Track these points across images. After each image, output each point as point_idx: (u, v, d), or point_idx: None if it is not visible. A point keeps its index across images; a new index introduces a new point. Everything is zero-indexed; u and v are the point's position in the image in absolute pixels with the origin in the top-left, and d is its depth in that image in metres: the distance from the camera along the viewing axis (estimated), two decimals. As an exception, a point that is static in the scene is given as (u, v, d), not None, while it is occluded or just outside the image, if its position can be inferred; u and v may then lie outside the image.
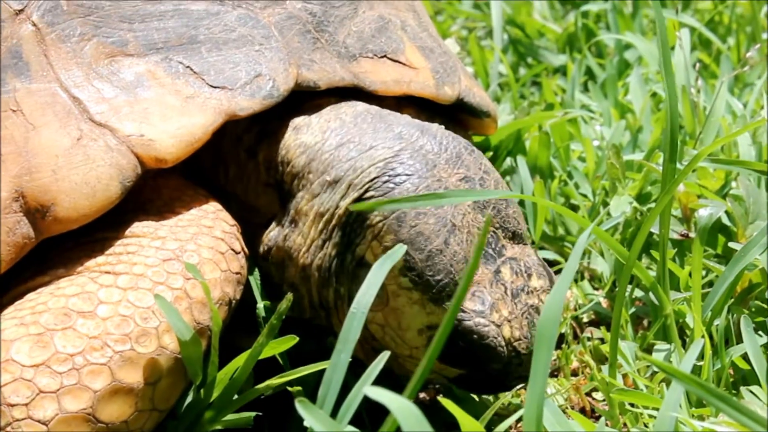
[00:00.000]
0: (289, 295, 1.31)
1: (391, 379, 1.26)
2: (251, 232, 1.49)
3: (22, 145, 1.30)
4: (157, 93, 1.37)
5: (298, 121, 1.50)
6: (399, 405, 0.96)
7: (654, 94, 2.37)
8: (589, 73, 2.62)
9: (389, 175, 1.38)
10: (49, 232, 1.31)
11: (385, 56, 1.58)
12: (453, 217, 1.36)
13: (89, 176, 1.31)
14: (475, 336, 1.33)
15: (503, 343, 1.34)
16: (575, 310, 1.77)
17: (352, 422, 1.41)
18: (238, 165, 1.53)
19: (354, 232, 1.39)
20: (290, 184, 1.47)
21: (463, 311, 1.33)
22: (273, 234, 1.47)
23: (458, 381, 1.41)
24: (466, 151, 1.43)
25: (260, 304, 1.45)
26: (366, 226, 1.38)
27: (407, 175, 1.38)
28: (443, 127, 1.47)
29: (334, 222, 1.41)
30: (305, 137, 1.47)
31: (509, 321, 1.35)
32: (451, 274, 1.34)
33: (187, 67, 1.41)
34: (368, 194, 1.38)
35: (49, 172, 1.30)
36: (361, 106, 1.51)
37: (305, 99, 1.52)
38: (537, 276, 1.39)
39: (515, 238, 1.42)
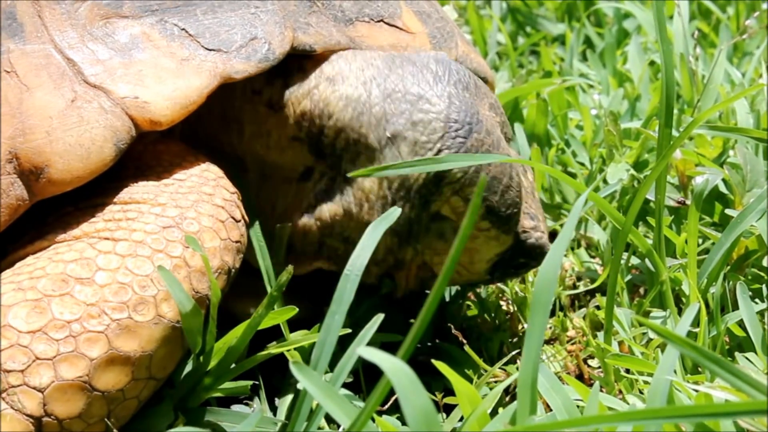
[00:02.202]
0: (290, 268, 1.30)
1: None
2: (273, 188, 1.50)
3: (16, 106, 1.30)
4: (152, 55, 1.36)
5: (329, 71, 1.48)
6: (392, 365, 0.96)
7: (652, 63, 2.36)
8: (588, 42, 2.62)
9: (455, 130, 1.42)
10: (43, 194, 1.30)
11: (381, 20, 1.57)
12: (505, 150, 1.48)
13: (83, 138, 1.30)
14: (537, 249, 1.52)
15: (549, 245, 1.51)
16: (572, 278, 1.77)
17: (350, 386, 1.43)
18: (257, 122, 1.51)
19: (430, 190, 1.43)
20: (334, 138, 1.46)
21: (524, 231, 1.50)
22: (320, 187, 1.47)
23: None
24: (474, 77, 1.50)
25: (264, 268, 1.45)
26: (445, 183, 1.42)
27: (468, 123, 1.42)
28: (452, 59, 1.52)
29: (405, 182, 1.43)
30: (345, 89, 1.46)
31: (544, 225, 1.55)
32: (517, 204, 1.47)
33: (183, 29, 1.40)
34: (443, 153, 1.41)
35: (43, 134, 1.29)
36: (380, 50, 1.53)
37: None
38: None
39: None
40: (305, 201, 1.48)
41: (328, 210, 1.47)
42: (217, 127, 1.53)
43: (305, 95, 1.48)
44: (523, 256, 1.52)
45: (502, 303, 1.68)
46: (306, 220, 1.48)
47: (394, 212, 1.23)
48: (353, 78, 1.47)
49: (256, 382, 1.39)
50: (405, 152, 1.42)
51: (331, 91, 1.47)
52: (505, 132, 1.53)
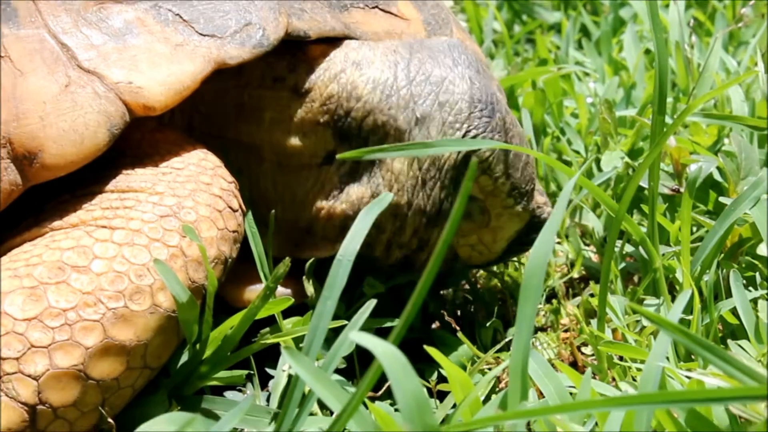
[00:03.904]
0: (287, 260, 1.30)
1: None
2: (291, 175, 1.51)
3: (9, 91, 1.29)
4: (146, 40, 1.36)
5: (354, 56, 1.51)
6: (384, 350, 0.96)
7: (648, 51, 2.36)
8: (584, 30, 2.62)
9: (480, 110, 1.46)
10: (37, 179, 1.30)
11: (376, 7, 1.57)
12: (519, 128, 1.52)
13: (77, 123, 1.29)
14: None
15: None
16: (566, 266, 1.77)
17: (344, 372, 1.42)
18: (278, 108, 1.51)
19: (460, 170, 1.47)
20: (361, 120, 1.47)
21: (538, 207, 1.55)
22: (344, 172, 1.49)
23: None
24: (482, 61, 1.55)
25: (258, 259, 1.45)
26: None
27: (490, 103, 1.47)
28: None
29: (437, 162, 1.47)
30: (372, 72, 1.49)
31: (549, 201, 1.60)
32: (533, 179, 1.53)
33: (177, 14, 1.39)
34: (471, 133, 1.46)
35: (36, 119, 1.29)
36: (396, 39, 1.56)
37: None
38: None
39: None
40: (328, 185, 1.49)
41: (355, 193, 1.48)
42: (232, 117, 1.53)
43: (332, 79, 1.49)
44: (534, 232, 1.53)
45: (495, 290, 1.68)
46: (330, 204, 1.49)
47: (386, 197, 1.23)
48: (378, 62, 1.50)
49: (251, 372, 1.39)
50: (434, 132, 1.46)
51: (358, 75, 1.49)
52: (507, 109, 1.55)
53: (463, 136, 1.45)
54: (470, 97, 1.46)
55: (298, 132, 1.50)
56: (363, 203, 1.47)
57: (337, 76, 1.49)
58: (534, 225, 1.55)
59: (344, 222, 1.48)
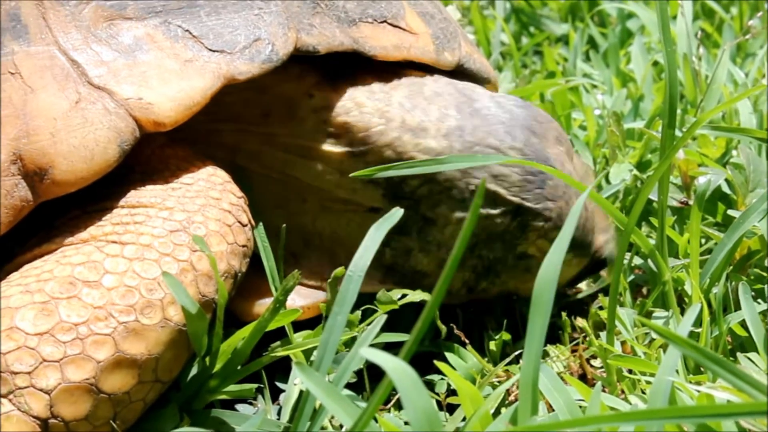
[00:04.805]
0: (296, 273, 1.30)
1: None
2: (335, 217, 1.53)
3: (20, 107, 1.30)
4: (155, 56, 1.37)
5: (410, 121, 1.50)
6: (395, 366, 0.96)
7: (656, 63, 2.36)
8: (592, 42, 2.62)
9: (531, 182, 1.47)
10: (47, 195, 1.30)
11: (385, 21, 1.57)
12: (576, 176, 1.53)
13: (87, 139, 1.30)
14: (610, 260, 1.59)
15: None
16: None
17: (353, 386, 1.43)
18: (331, 163, 1.52)
19: (515, 235, 1.49)
20: (416, 187, 1.48)
21: (599, 248, 1.57)
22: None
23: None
24: (535, 115, 1.54)
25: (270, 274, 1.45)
26: (530, 229, 1.49)
27: (541, 173, 1.47)
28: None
29: (490, 229, 1.49)
30: (428, 142, 1.48)
31: (612, 231, 1.60)
32: (592, 230, 1.55)
33: (186, 30, 1.40)
34: (525, 205, 1.48)
35: (47, 135, 1.29)
36: (441, 85, 1.55)
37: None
38: None
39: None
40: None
41: (403, 244, 1.51)
42: (281, 161, 1.54)
43: (387, 146, 1.49)
44: (597, 269, 1.61)
45: (504, 302, 1.68)
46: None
47: (397, 213, 1.24)
48: (434, 130, 1.49)
49: (261, 386, 1.40)
50: (487, 203, 1.48)
51: (413, 145, 1.49)
52: (570, 157, 1.57)
53: (515, 206, 1.47)
54: (522, 170, 1.47)
55: (348, 187, 1.51)
56: (411, 254, 1.51)
57: (393, 143, 1.49)
58: (596, 264, 1.59)
59: (391, 265, 1.52)
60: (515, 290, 1.56)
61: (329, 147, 1.52)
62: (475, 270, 1.52)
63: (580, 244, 1.52)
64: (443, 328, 1.47)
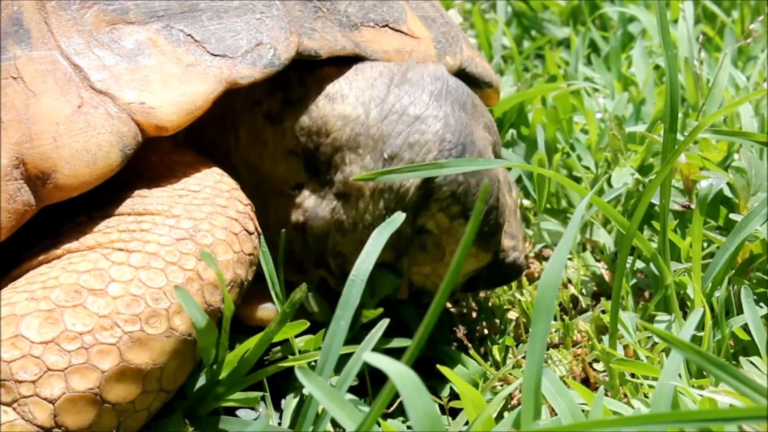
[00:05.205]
0: (303, 286, 1.31)
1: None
2: (263, 200, 1.50)
3: (22, 112, 1.30)
4: (158, 61, 1.37)
5: (329, 89, 1.49)
6: (397, 371, 0.96)
7: (657, 67, 2.36)
8: (593, 46, 2.62)
9: (449, 149, 1.43)
10: (50, 199, 1.30)
11: (386, 25, 1.57)
12: (497, 174, 1.48)
13: (90, 144, 1.30)
14: (513, 268, 1.55)
15: (525, 264, 1.58)
16: (577, 281, 1.77)
17: (356, 389, 1.43)
18: (253, 132, 1.52)
19: (418, 206, 1.44)
20: (331, 156, 1.46)
21: (503, 250, 1.52)
22: (310, 204, 1.48)
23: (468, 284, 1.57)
24: (471, 95, 1.51)
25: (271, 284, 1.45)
26: (433, 200, 1.43)
27: (461, 144, 1.43)
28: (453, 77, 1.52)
29: (398, 198, 1.44)
30: (344, 108, 1.47)
31: (522, 244, 1.57)
32: (499, 224, 1.48)
33: (188, 35, 1.40)
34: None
35: (49, 140, 1.29)
36: (381, 66, 1.52)
37: (320, 63, 1.52)
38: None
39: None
40: (295, 215, 1.48)
41: (319, 227, 1.47)
42: (217, 134, 1.54)
43: (304, 110, 1.49)
44: (499, 273, 1.55)
45: (507, 307, 1.69)
46: (298, 234, 1.48)
47: (399, 217, 1.24)
48: (353, 97, 1.48)
49: (265, 393, 1.39)
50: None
51: (330, 109, 1.48)
52: (496, 152, 1.54)
53: (428, 176, 1.42)
54: (440, 138, 1.43)
55: (271, 158, 1.51)
56: (330, 236, 1.48)
57: (309, 109, 1.48)
58: (498, 266, 1.53)
59: (317, 251, 1.49)
60: (408, 272, 1.51)
61: (253, 115, 1.52)
62: (395, 246, 1.46)
63: (480, 232, 1.46)
64: None
